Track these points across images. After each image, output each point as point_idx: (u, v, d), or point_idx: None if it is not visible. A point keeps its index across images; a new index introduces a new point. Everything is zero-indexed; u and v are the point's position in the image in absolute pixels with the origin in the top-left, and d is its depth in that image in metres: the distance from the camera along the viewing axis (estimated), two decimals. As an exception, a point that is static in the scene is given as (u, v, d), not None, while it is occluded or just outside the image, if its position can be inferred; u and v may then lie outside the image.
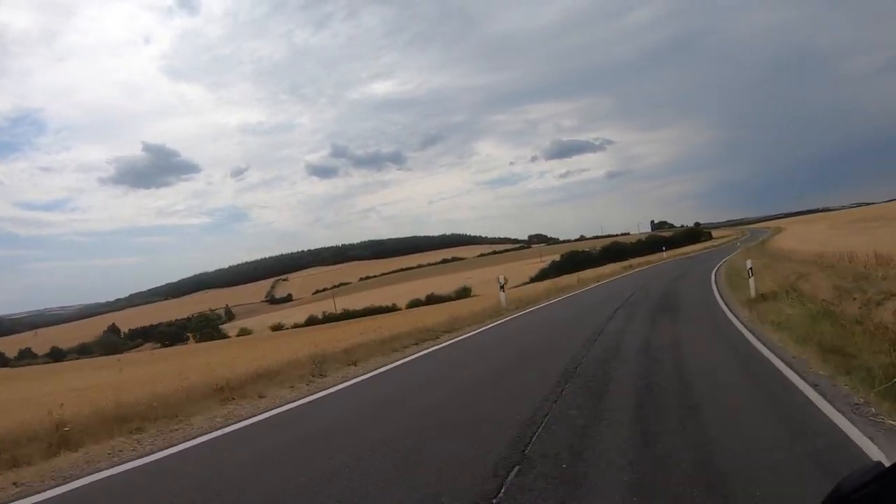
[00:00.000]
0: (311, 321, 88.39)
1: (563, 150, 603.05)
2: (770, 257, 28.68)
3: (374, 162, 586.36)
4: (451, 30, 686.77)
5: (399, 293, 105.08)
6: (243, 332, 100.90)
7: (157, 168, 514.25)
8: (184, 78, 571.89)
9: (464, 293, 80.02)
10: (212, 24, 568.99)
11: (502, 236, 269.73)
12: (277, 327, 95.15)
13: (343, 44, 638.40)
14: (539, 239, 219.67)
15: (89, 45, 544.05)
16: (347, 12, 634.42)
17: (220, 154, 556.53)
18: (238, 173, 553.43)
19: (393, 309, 78.70)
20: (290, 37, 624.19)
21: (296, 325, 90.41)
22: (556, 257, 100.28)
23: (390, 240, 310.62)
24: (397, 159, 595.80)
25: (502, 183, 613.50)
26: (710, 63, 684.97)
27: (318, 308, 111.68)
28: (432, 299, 77.59)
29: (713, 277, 25.23)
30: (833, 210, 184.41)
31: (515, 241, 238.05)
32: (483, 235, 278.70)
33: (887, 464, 0.88)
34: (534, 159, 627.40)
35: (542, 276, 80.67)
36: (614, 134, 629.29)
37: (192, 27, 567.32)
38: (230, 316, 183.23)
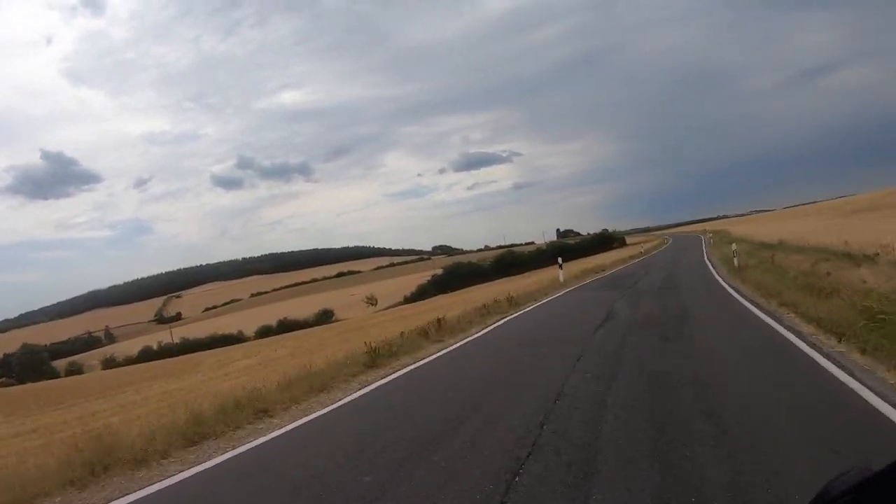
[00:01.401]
0: (145, 355, 71.28)
1: (471, 163, 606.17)
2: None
3: (281, 173, 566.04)
4: (362, 40, 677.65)
5: (283, 311, 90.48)
6: (71, 371, 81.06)
7: (56, 177, 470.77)
8: (85, 82, 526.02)
9: (324, 318, 65.62)
10: (117, 27, 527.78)
11: (407, 248, 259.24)
12: (110, 362, 77.16)
13: (252, 52, 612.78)
14: (443, 250, 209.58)
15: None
16: (257, 19, 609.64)
17: (122, 164, 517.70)
18: (141, 184, 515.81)
19: (239, 339, 63.29)
20: (198, 43, 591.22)
21: (128, 361, 72.95)
22: (439, 271, 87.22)
23: (290, 253, 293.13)
24: (305, 171, 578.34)
25: (410, 195, 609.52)
26: (616, 79, 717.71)
27: (206, 328, 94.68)
28: (286, 326, 62.63)
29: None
30: (731, 217, 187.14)
31: (420, 252, 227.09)
32: (388, 247, 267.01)
33: (874, 469, 0.87)
34: (442, 171, 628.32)
35: (421, 294, 67.81)
36: (522, 146, 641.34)
37: (96, 28, 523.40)
38: (110, 339, 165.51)
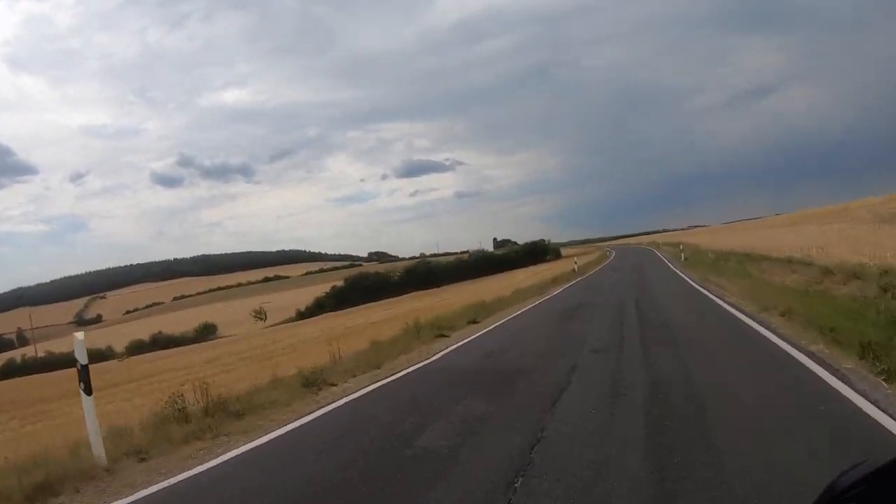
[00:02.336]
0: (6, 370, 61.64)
1: (414, 170, 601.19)
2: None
3: (222, 173, 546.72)
4: (311, 44, 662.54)
5: (201, 316, 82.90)
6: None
7: None
8: (25, 69, 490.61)
9: (204, 332, 57.60)
10: (61, 12, 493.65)
11: (344, 253, 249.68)
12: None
13: (198, 48, 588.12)
14: (378, 257, 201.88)
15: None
16: (205, 13, 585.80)
17: (59, 156, 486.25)
18: (78, 178, 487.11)
19: (107, 356, 54.77)
20: (144, 34, 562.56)
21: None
22: (340, 283, 77.56)
23: (221, 255, 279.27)
24: (246, 172, 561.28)
25: (352, 200, 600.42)
26: (562, 93, 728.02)
27: (126, 333, 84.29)
28: (161, 342, 54.42)
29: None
30: (670, 230, 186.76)
31: (356, 258, 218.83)
32: (324, 252, 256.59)
33: (880, 463, 0.90)
34: (384, 177, 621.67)
35: (320, 307, 60.61)
36: (467, 156, 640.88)
37: (38, 13, 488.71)
38: (23, 341, 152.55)
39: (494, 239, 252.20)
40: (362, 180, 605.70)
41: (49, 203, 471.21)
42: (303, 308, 63.08)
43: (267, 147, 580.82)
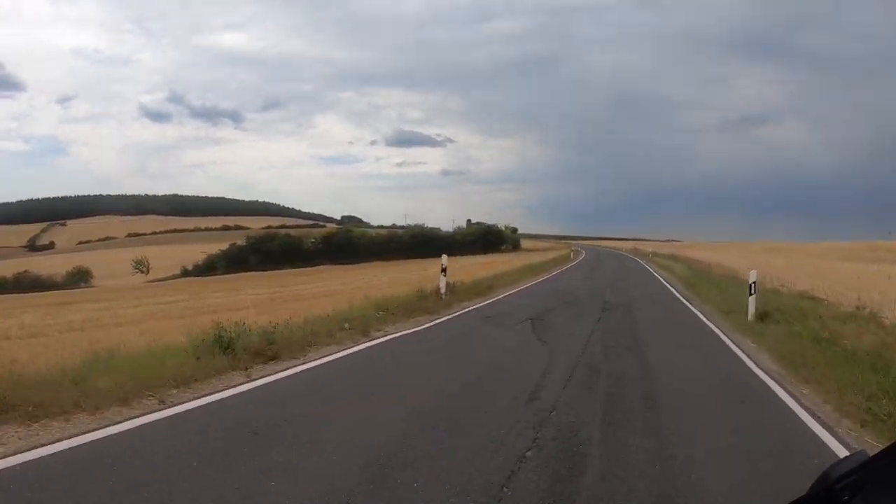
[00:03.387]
0: None
1: (404, 140, 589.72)
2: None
3: (211, 116, 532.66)
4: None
5: (143, 254, 76.58)
6: None
7: None
8: None
9: (76, 279, 50.74)
10: None
11: (316, 212, 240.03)
12: None
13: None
14: (351, 220, 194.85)
15: None
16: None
17: (48, 76, 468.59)
18: (65, 101, 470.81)
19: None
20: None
21: None
22: (242, 241, 65.16)
23: (194, 197, 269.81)
24: (236, 118, 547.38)
25: (337, 161, 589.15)
26: (560, 86, 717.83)
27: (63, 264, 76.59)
28: (26, 283, 47.57)
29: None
30: (644, 240, 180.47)
31: (328, 218, 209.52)
32: (296, 208, 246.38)
33: (872, 453, 0.91)
34: (373, 143, 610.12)
35: (211, 268, 53.66)
36: (457, 133, 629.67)
37: None
38: None
39: (468, 220, 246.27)
40: (350, 143, 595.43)
41: (32, 122, 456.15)
42: (190, 267, 55.92)
43: (259, 95, 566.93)
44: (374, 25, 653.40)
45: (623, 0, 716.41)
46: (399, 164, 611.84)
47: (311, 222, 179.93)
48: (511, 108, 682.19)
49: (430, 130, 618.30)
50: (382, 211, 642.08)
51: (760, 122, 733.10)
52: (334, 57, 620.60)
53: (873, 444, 4.95)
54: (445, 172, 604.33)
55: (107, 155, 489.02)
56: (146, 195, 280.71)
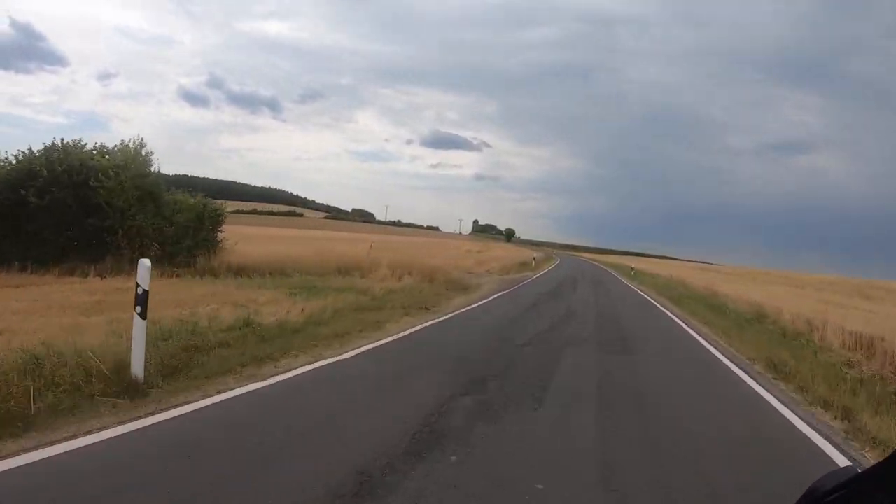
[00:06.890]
0: None
1: (440, 141, 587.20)
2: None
3: (249, 103, 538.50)
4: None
5: None
6: None
7: (20, 50, 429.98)
8: None
9: None
10: None
11: (332, 204, 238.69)
12: None
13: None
14: (361, 215, 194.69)
15: None
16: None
17: (90, 51, 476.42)
18: (105, 78, 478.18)
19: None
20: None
21: None
22: None
23: (201, 178, 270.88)
24: (274, 107, 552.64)
25: (372, 157, 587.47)
26: (597, 98, 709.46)
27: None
28: None
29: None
30: (677, 259, 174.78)
31: (340, 210, 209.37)
32: (312, 199, 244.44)
33: (860, 469, 0.88)
34: (409, 142, 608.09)
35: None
36: (492, 139, 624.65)
37: None
38: None
39: (475, 221, 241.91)
40: (386, 140, 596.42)
41: (73, 97, 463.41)
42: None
43: (298, 85, 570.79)
44: (415, 22, 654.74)
45: (666, 16, 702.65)
46: (434, 166, 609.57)
47: (323, 214, 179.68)
48: (545, 116, 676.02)
49: (467, 133, 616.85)
50: (416, 210, 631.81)
51: (801, 150, 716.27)
52: (375, 50, 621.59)
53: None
54: (479, 177, 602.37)
55: (143, 133, 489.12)
56: (174, 174, 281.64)
